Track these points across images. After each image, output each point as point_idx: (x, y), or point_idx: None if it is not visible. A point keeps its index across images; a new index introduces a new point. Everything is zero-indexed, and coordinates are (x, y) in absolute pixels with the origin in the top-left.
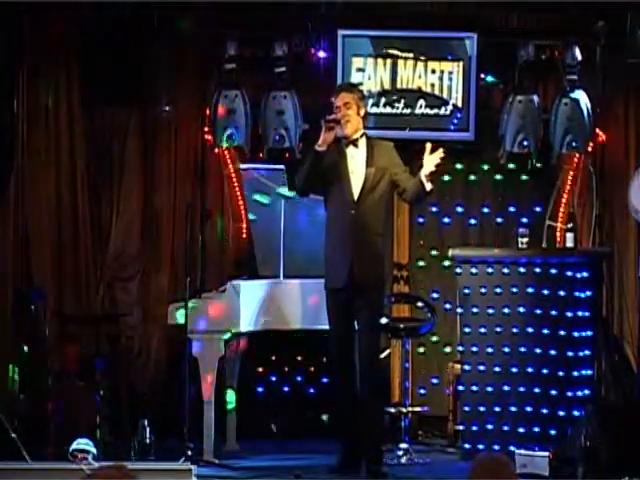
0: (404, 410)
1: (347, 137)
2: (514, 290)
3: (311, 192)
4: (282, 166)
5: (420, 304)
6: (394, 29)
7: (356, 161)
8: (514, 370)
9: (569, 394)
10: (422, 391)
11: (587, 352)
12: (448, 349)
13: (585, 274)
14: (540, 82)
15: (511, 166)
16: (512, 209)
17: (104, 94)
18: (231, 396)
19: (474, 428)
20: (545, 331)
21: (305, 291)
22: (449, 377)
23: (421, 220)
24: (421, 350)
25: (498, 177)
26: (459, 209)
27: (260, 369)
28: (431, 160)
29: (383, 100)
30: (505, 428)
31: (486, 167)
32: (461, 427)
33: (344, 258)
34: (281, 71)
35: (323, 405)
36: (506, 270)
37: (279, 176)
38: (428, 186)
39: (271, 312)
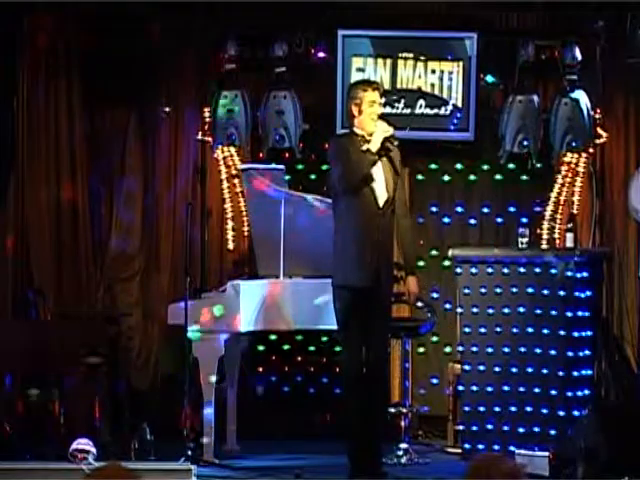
0: (404, 410)
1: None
2: (514, 290)
3: None
4: (282, 166)
5: (420, 304)
6: (394, 29)
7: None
8: (514, 370)
9: (569, 394)
10: (422, 391)
11: (587, 352)
12: (448, 349)
13: (585, 274)
14: (540, 82)
15: (511, 166)
16: (512, 209)
17: (104, 94)
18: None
19: (474, 428)
20: (545, 331)
21: (305, 291)
22: (449, 377)
23: (421, 220)
24: (421, 350)
25: (498, 177)
26: (459, 209)
27: (260, 369)
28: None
29: (383, 100)
30: (505, 428)
31: (486, 167)
32: (461, 427)
33: (370, 260)
34: (281, 71)
35: (324, 405)
36: (506, 270)
37: (279, 176)
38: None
39: (271, 312)
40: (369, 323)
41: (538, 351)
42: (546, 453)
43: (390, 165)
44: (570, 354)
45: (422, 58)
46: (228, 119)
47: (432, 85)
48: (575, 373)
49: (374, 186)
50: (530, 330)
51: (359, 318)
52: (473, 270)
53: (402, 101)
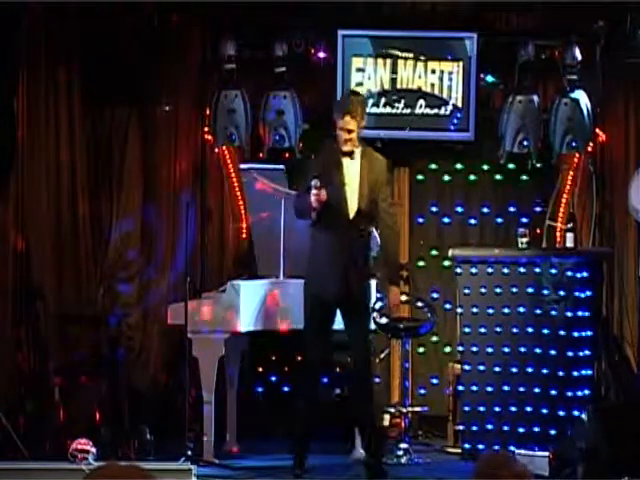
0: (404, 410)
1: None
2: (514, 290)
3: None
4: (282, 166)
5: (420, 304)
6: (394, 29)
7: (350, 172)
8: (514, 370)
9: (569, 394)
10: (422, 391)
11: (587, 352)
12: (448, 349)
13: (585, 274)
14: (540, 82)
15: (511, 166)
16: (512, 209)
17: (104, 94)
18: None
19: (474, 428)
20: (545, 331)
21: None
22: (449, 377)
23: (421, 220)
24: (421, 350)
25: (498, 177)
26: (459, 209)
27: (260, 369)
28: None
29: (383, 100)
30: (505, 428)
31: (486, 167)
32: (461, 427)
33: (337, 273)
34: (281, 71)
35: (323, 405)
36: (506, 270)
37: (279, 176)
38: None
39: (271, 312)
40: (347, 329)
41: (538, 351)
42: (546, 453)
43: (367, 176)
44: (570, 354)
45: (422, 58)
46: (228, 119)
47: (432, 85)
48: (575, 373)
49: (346, 197)
50: (530, 330)
51: (321, 322)
52: (473, 270)
53: (402, 101)
